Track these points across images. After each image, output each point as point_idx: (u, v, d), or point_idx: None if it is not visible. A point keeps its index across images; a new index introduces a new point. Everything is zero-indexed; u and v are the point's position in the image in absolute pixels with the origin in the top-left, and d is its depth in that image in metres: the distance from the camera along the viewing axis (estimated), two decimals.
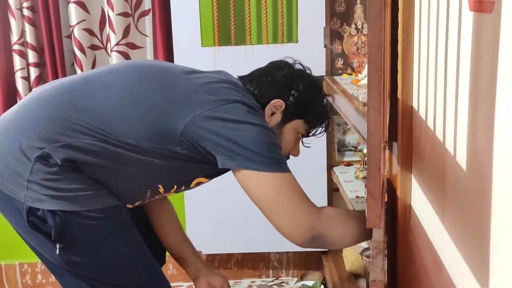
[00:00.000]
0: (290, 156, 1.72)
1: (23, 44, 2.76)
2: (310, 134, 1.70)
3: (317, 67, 2.70)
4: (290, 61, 1.72)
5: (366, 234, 1.55)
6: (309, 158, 2.80)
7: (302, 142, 1.74)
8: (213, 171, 1.56)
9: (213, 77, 1.59)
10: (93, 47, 2.83)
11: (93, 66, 2.82)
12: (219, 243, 2.88)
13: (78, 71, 2.78)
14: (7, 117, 1.56)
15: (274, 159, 1.45)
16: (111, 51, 2.77)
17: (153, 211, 1.86)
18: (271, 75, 1.65)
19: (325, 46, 2.70)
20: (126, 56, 2.78)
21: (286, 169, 1.48)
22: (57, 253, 1.49)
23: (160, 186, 1.59)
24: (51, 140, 1.45)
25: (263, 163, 1.43)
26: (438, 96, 1.07)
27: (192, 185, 1.65)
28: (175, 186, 1.62)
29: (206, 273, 1.89)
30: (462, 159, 0.93)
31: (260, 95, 1.61)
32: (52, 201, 1.45)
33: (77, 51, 2.77)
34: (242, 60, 2.68)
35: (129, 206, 1.63)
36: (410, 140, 1.28)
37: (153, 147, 1.48)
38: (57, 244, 1.48)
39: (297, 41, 2.71)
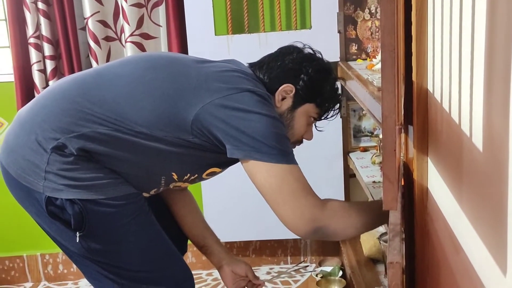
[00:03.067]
0: (304, 141, 1.72)
1: (39, 37, 2.78)
2: (322, 118, 1.70)
3: (331, 53, 2.70)
4: (300, 45, 1.72)
5: (370, 225, 1.59)
6: (325, 145, 2.81)
7: (315, 126, 1.74)
8: (224, 161, 1.57)
9: (223, 66, 1.60)
10: (108, 39, 2.84)
11: (108, 58, 2.83)
12: (237, 231, 2.89)
13: (93, 63, 2.79)
14: (24, 112, 1.59)
15: (281, 150, 1.46)
16: (126, 42, 2.78)
17: (175, 201, 1.88)
18: (280, 60, 1.65)
19: (339, 31, 2.69)
20: (140, 46, 2.79)
21: (292, 161, 1.49)
22: (77, 241, 1.51)
23: (173, 173, 1.60)
24: (66, 130, 1.47)
25: (269, 154, 1.44)
26: (453, 77, 1.07)
27: (204, 175, 1.66)
28: (188, 174, 1.63)
29: (230, 262, 1.90)
30: (478, 139, 0.92)
31: (269, 81, 1.62)
32: (70, 190, 1.47)
33: (91, 43, 2.79)
34: (256, 47, 2.68)
35: (145, 195, 1.64)
36: (425, 122, 1.28)
37: (165, 136, 1.50)
38: (77, 232, 1.50)
39: (310, 27, 2.70)
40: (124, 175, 1.55)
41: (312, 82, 1.63)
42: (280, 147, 1.47)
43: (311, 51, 1.72)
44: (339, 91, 1.76)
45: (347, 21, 2.72)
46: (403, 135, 1.43)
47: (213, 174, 1.68)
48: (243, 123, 1.46)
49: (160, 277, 1.64)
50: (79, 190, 1.48)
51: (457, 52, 1.03)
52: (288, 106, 1.62)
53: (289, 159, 1.49)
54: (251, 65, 1.69)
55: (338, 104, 1.74)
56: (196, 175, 1.65)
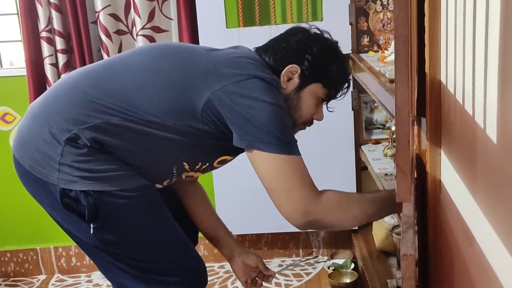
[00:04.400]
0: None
1: (51, 31, 2.79)
2: (331, 98, 1.69)
3: (343, 45, 2.67)
4: (306, 26, 1.70)
5: (371, 216, 1.59)
6: (337, 137, 2.80)
7: (327, 107, 1.73)
8: (234, 148, 1.57)
9: (232, 52, 1.60)
10: (119, 32, 2.85)
11: (119, 51, 2.84)
12: (249, 224, 2.90)
13: (105, 56, 2.80)
14: (36, 104, 1.60)
15: (282, 140, 1.46)
16: (137, 35, 2.79)
17: (186, 194, 1.89)
18: (285, 41, 1.65)
19: (350, 23, 2.68)
20: (151, 40, 2.79)
21: (293, 152, 1.49)
22: (92, 232, 1.52)
23: (185, 163, 1.61)
24: (78, 122, 1.48)
25: (270, 144, 1.45)
26: (467, 69, 1.06)
27: (215, 163, 1.66)
28: (200, 163, 1.64)
29: (241, 253, 1.91)
30: (492, 131, 0.92)
31: (275, 63, 1.61)
32: (84, 182, 1.48)
33: (103, 37, 2.80)
34: (267, 40, 2.67)
35: (158, 186, 1.65)
36: (438, 114, 1.27)
37: (176, 124, 1.50)
38: (91, 224, 1.51)
39: (322, 20, 2.69)
40: (137, 166, 1.56)
41: (317, 61, 1.62)
42: (282, 137, 1.47)
43: (317, 32, 1.71)
44: (348, 71, 1.73)
45: (359, 13, 2.70)
46: (416, 127, 1.43)
47: (224, 162, 1.68)
48: (249, 111, 1.46)
49: (174, 268, 1.65)
50: (93, 181, 1.49)
51: (470, 42, 1.02)
52: (294, 87, 1.62)
53: (290, 150, 1.48)
54: (257, 49, 1.69)
55: (347, 84, 1.71)
56: (208, 164, 1.66)
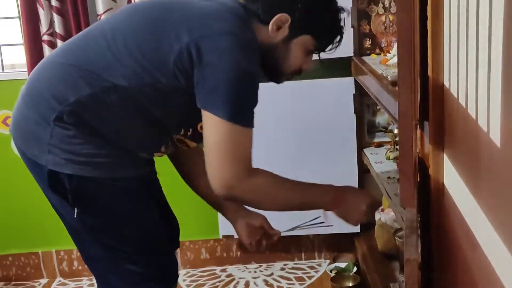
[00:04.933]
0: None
1: (52, 34, 2.79)
2: (321, 50, 1.65)
3: (345, 48, 2.67)
4: None
5: (291, 207, 1.62)
6: (339, 140, 2.80)
7: (319, 56, 1.70)
8: None
9: (210, 4, 1.54)
10: None
11: None
12: None
13: None
14: (24, 87, 1.61)
15: (236, 108, 1.42)
16: None
17: (184, 162, 1.86)
18: None
19: (352, 26, 2.67)
20: None
21: (243, 122, 1.45)
22: (75, 216, 1.53)
23: (168, 127, 1.61)
24: (61, 99, 1.49)
25: (222, 109, 1.42)
26: (470, 72, 1.05)
27: (199, 128, 1.63)
28: (183, 130, 1.64)
29: (244, 215, 1.85)
30: (495, 135, 0.91)
31: (264, 12, 1.55)
32: (70, 165, 1.50)
33: None
34: None
35: (157, 155, 1.64)
36: (441, 118, 1.27)
37: (151, 83, 1.48)
38: (75, 208, 1.53)
39: None
40: (124, 141, 1.54)
41: (309, 12, 1.56)
42: (236, 105, 1.43)
43: None
44: (341, 23, 1.66)
45: (361, 16, 2.70)
46: (418, 130, 1.42)
47: None
48: (213, 71, 1.42)
49: (143, 260, 1.64)
50: (79, 165, 1.50)
51: (474, 46, 1.02)
52: (283, 36, 1.56)
53: (240, 119, 1.45)
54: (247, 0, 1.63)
55: (339, 37, 1.66)
56: (191, 130, 1.65)
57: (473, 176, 1.07)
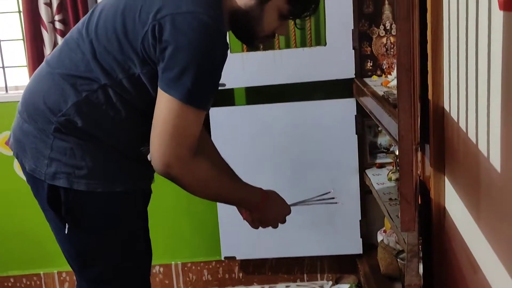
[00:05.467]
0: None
1: None
2: (295, 16, 1.63)
3: (346, 70, 2.69)
4: None
5: (222, 201, 1.66)
6: (341, 161, 2.80)
7: (295, 24, 1.69)
8: None
9: None
10: None
11: None
12: (253, 248, 2.88)
13: None
14: (20, 104, 1.62)
15: (190, 90, 1.40)
16: None
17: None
18: None
19: (354, 48, 2.69)
20: None
21: (195, 104, 1.43)
22: (66, 232, 1.53)
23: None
24: (55, 110, 1.50)
25: (175, 88, 1.40)
26: (470, 97, 1.06)
27: None
28: None
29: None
30: (495, 160, 0.92)
31: None
32: (68, 178, 1.50)
33: None
34: (270, 64, 2.69)
35: (145, 150, 1.64)
36: (442, 141, 1.27)
37: (128, 76, 1.47)
38: (66, 224, 1.53)
39: (325, 44, 2.70)
40: (121, 143, 1.54)
41: None
42: (191, 86, 1.40)
43: None
44: None
45: (362, 38, 2.71)
46: (419, 153, 1.43)
47: None
48: (171, 51, 1.40)
49: (120, 278, 1.63)
50: (77, 179, 1.50)
51: (473, 70, 1.03)
52: None
53: (192, 101, 1.43)
54: None
55: (314, 5, 1.60)
56: None
57: (474, 200, 1.07)
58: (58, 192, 1.52)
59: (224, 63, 1.47)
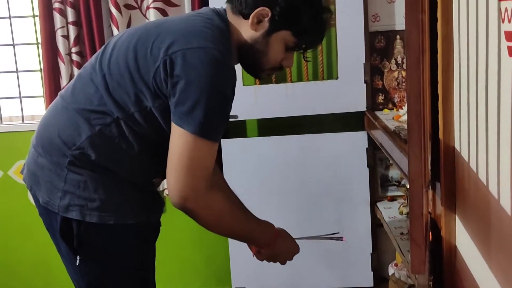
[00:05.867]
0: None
1: (63, 2, 2.85)
2: (301, 49, 1.65)
3: (358, 103, 2.72)
4: None
5: (236, 237, 1.64)
6: (352, 194, 2.81)
7: (303, 57, 1.70)
8: None
9: (187, 19, 1.56)
10: (128, 7, 2.86)
11: (128, 26, 2.85)
12: (264, 279, 2.88)
13: (115, 31, 2.82)
14: (34, 137, 1.64)
15: (202, 123, 1.42)
16: (147, 8, 2.81)
17: None
18: None
19: (365, 81, 2.72)
20: (163, 13, 2.79)
21: (208, 136, 1.45)
22: (77, 263, 1.54)
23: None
24: (70, 144, 1.53)
25: (188, 122, 1.41)
26: (480, 138, 1.08)
27: None
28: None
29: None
30: (506, 202, 0.93)
31: (246, 5, 1.55)
32: (82, 210, 1.52)
33: (113, 10, 2.81)
34: (283, 97, 2.72)
35: (157, 181, 1.65)
36: (453, 180, 1.28)
37: (140, 109, 1.49)
38: (78, 256, 1.53)
39: (337, 78, 2.73)
40: (127, 174, 1.56)
41: (290, 8, 1.54)
42: (204, 119, 1.42)
43: None
44: (324, 24, 1.63)
45: (374, 71, 2.75)
46: (430, 191, 1.43)
47: None
48: (183, 85, 1.42)
49: None
50: (90, 212, 1.52)
51: (483, 112, 1.04)
52: (263, 30, 1.55)
53: (206, 133, 1.45)
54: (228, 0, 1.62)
55: (320, 38, 1.64)
56: None
57: (485, 241, 1.08)
58: (71, 224, 1.54)
59: (234, 95, 1.50)
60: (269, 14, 1.55)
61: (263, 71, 1.65)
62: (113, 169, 1.56)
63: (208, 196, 1.50)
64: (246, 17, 1.56)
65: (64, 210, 1.54)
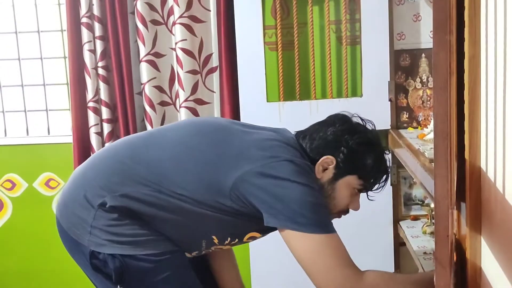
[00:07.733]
0: (351, 210, 1.72)
1: (98, 101, 2.89)
2: (367, 190, 1.68)
3: (382, 121, 2.70)
4: (349, 115, 1.72)
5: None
6: (375, 212, 2.78)
7: (367, 195, 1.73)
8: (264, 227, 1.58)
9: (266, 134, 1.63)
10: (163, 103, 2.93)
11: (162, 122, 2.91)
12: None
13: (148, 126, 2.87)
14: (78, 170, 1.68)
15: (316, 220, 1.46)
16: (180, 107, 2.86)
17: (213, 256, 1.89)
18: (323, 131, 1.66)
19: (390, 100, 2.71)
20: (194, 111, 2.86)
21: (328, 230, 1.49)
22: None
23: (214, 237, 1.63)
24: (112, 189, 1.55)
25: (304, 224, 1.45)
26: (507, 158, 1.06)
27: (245, 239, 1.67)
28: (229, 239, 1.65)
29: None
30: None
31: (311, 151, 1.63)
32: (112, 245, 1.53)
33: (147, 107, 2.88)
34: (306, 114, 2.72)
35: (187, 255, 1.67)
36: (478, 201, 1.26)
37: (205, 200, 1.53)
38: (118, 286, 1.55)
39: (361, 95, 2.73)
40: (167, 235, 1.58)
41: (353, 154, 1.63)
42: (315, 217, 1.47)
43: (359, 121, 1.72)
44: (387, 163, 1.72)
45: (398, 90, 2.74)
46: (455, 212, 1.42)
47: (253, 238, 1.69)
48: (279, 191, 1.48)
49: None
50: (121, 245, 1.54)
51: (511, 131, 1.03)
52: (329, 177, 1.63)
53: (325, 228, 1.49)
54: (297, 133, 1.71)
55: (384, 177, 1.71)
56: (237, 240, 1.67)
57: (511, 263, 1.06)
58: (102, 257, 1.55)
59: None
60: (334, 162, 1.59)
61: (331, 215, 1.67)
62: (148, 222, 1.59)
63: (365, 279, 1.51)
64: (313, 162, 1.60)
65: (95, 244, 1.57)
